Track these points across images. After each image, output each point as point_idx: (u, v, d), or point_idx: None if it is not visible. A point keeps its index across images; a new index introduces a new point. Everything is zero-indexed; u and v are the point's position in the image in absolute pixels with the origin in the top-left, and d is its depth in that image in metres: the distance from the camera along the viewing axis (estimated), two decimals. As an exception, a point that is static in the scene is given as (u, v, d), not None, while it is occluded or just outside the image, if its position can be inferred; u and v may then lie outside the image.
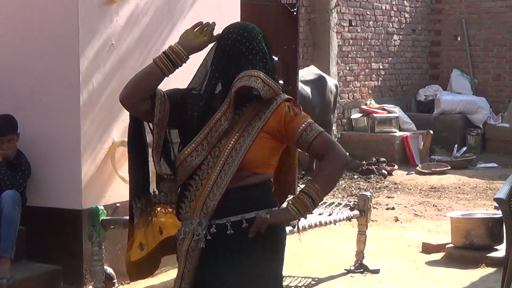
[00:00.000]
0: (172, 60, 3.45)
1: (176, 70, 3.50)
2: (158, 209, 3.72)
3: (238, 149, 3.37)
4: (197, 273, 3.43)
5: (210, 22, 3.55)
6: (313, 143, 3.42)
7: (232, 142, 3.37)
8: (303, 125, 3.43)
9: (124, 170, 6.45)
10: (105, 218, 5.87)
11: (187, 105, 3.50)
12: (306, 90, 10.80)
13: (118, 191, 6.45)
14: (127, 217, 5.92)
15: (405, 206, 10.02)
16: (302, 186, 3.65)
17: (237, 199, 3.39)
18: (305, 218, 3.49)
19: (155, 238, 3.74)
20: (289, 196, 3.87)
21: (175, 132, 3.61)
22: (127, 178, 6.35)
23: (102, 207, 5.90)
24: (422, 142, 13.28)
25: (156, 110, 3.45)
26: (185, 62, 3.49)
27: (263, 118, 3.41)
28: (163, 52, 3.47)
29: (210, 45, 3.55)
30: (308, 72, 11.30)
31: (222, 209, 3.38)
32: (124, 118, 6.50)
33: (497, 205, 7.52)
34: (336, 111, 12.43)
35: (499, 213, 7.00)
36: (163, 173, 3.55)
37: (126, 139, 6.38)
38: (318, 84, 11.22)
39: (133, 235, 3.72)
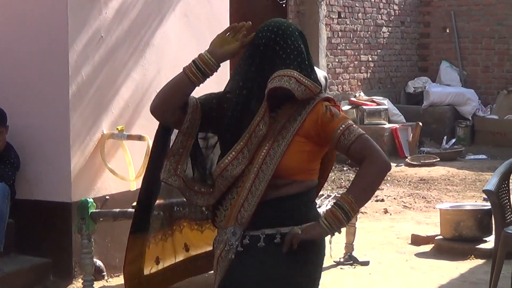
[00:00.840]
0: (201, 69, 3.25)
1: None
2: (184, 224, 3.54)
3: (272, 155, 3.16)
4: (224, 283, 3.25)
5: (245, 23, 3.29)
6: (351, 147, 3.17)
7: (266, 148, 3.17)
8: (342, 127, 3.17)
9: (113, 163, 6.45)
10: (94, 210, 5.86)
11: (223, 110, 3.29)
12: (296, 82, 10.80)
13: (108, 183, 6.45)
14: (117, 210, 5.99)
15: (394, 198, 10.04)
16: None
17: (274, 210, 3.19)
18: (339, 233, 3.21)
19: (176, 253, 3.54)
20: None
21: (211, 142, 3.40)
22: (117, 170, 6.40)
23: (92, 200, 5.90)
24: (411, 134, 13.29)
25: (187, 118, 3.26)
26: (216, 71, 3.29)
27: (298, 120, 3.20)
28: (192, 61, 3.27)
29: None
30: (297, 64, 11.30)
31: (258, 219, 3.18)
32: (113, 110, 6.50)
33: (486, 196, 7.53)
34: (325, 103, 12.41)
35: (488, 205, 7.02)
36: (200, 184, 3.31)
37: (115, 132, 6.41)
38: (308, 76, 11.22)
39: (144, 247, 3.48)
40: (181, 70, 3.30)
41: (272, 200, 3.16)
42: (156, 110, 3.29)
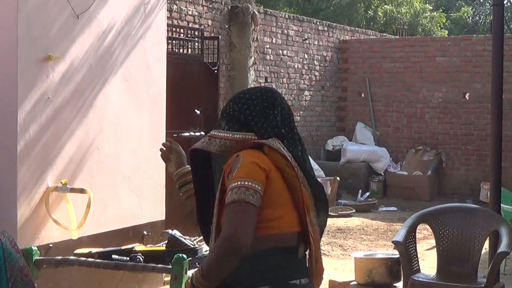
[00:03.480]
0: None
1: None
2: None
3: None
4: None
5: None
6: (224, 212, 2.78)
7: None
8: (230, 187, 2.74)
9: (57, 213, 6.39)
10: (38, 258, 5.78)
11: None
12: (226, 140, 10.89)
13: (51, 232, 6.37)
14: (59, 257, 5.91)
15: (314, 246, 10.07)
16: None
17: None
18: None
19: None
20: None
21: None
22: (60, 220, 6.33)
23: (36, 248, 5.82)
24: (330, 188, 13.42)
25: None
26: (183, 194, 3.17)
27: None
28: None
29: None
30: (227, 124, 11.40)
31: None
32: (58, 165, 6.45)
33: (395, 246, 7.63)
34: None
35: (397, 253, 7.11)
36: None
37: (59, 185, 6.35)
38: (237, 134, 11.26)
39: None
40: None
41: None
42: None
